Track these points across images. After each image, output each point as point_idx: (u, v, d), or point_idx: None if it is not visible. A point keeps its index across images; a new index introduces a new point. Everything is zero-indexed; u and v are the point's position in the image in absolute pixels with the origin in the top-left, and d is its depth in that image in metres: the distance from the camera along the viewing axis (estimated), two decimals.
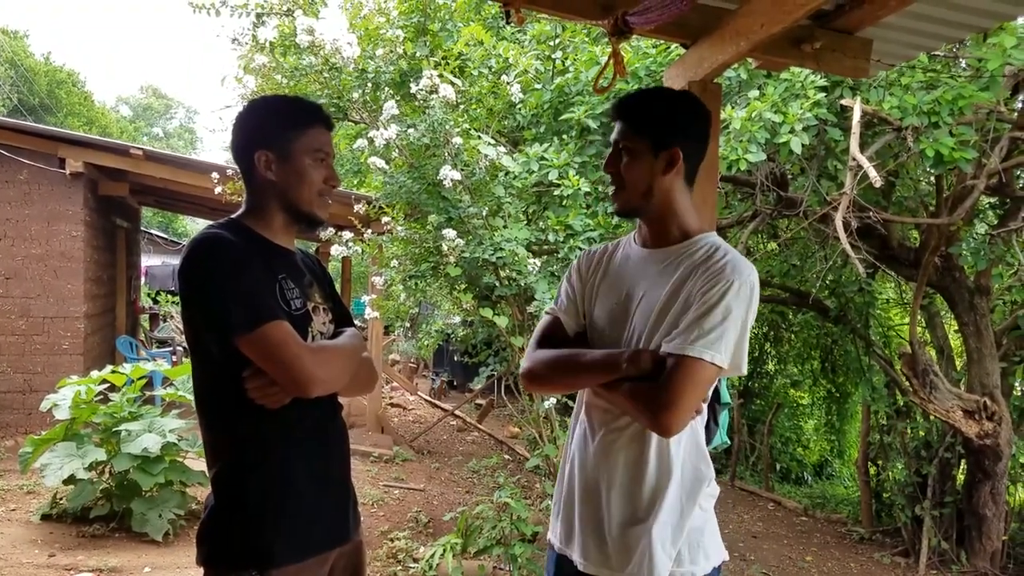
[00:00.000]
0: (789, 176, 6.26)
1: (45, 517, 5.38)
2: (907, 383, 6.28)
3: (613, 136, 1.86)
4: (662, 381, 1.61)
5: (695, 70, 2.90)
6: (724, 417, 2.53)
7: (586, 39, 5.97)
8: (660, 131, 1.79)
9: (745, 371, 1.75)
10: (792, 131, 4.57)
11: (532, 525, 5.01)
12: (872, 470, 8.42)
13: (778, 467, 11.34)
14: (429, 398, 12.66)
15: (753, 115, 4.58)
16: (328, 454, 1.83)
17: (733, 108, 4.80)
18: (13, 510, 5.66)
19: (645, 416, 1.64)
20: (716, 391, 2.48)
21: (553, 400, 5.00)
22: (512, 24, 2.86)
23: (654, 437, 1.71)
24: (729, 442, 2.60)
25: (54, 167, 8.05)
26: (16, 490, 6.11)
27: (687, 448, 1.74)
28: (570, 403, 5.34)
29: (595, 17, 2.74)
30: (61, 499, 5.45)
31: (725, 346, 1.63)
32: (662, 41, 5.05)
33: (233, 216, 1.83)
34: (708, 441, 2.44)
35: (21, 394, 7.92)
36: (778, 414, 10.91)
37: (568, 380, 1.92)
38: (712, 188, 2.95)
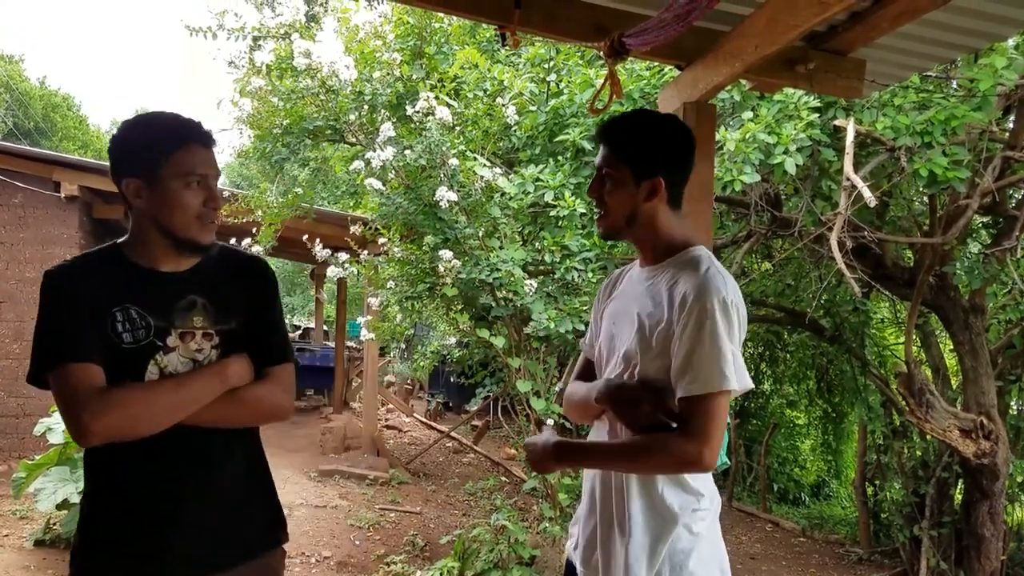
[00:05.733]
0: (783, 196, 6.28)
1: (39, 543, 5.33)
2: (903, 402, 6.26)
3: (597, 161, 1.87)
4: (689, 425, 1.65)
5: (690, 91, 2.92)
6: (724, 438, 2.53)
7: (580, 62, 5.99)
8: (642, 160, 1.80)
9: (751, 384, 1.72)
10: (786, 152, 4.59)
11: (530, 548, 4.98)
12: (869, 490, 8.40)
13: (775, 488, 11.30)
14: (425, 420, 12.61)
15: (747, 136, 4.60)
16: (173, 490, 1.71)
17: (727, 130, 4.82)
18: (6, 535, 5.61)
19: (680, 467, 1.69)
20: None
21: (550, 422, 4.98)
22: (508, 46, 2.88)
23: None
24: (729, 463, 2.59)
25: (49, 190, 8.06)
26: (9, 515, 6.06)
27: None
28: (567, 423, 5.33)
29: (591, 39, 2.77)
30: (55, 524, 5.40)
31: (721, 370, 1.63)
32: (656, 63, 5.08)
33: (118, 240, 1.80)
34: None
35: (15, 418, 7.88)
36: (774, 434, 10.88)
37: (578, 414, 2.01)
38: (708, 208, 2.96)
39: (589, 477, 1.90)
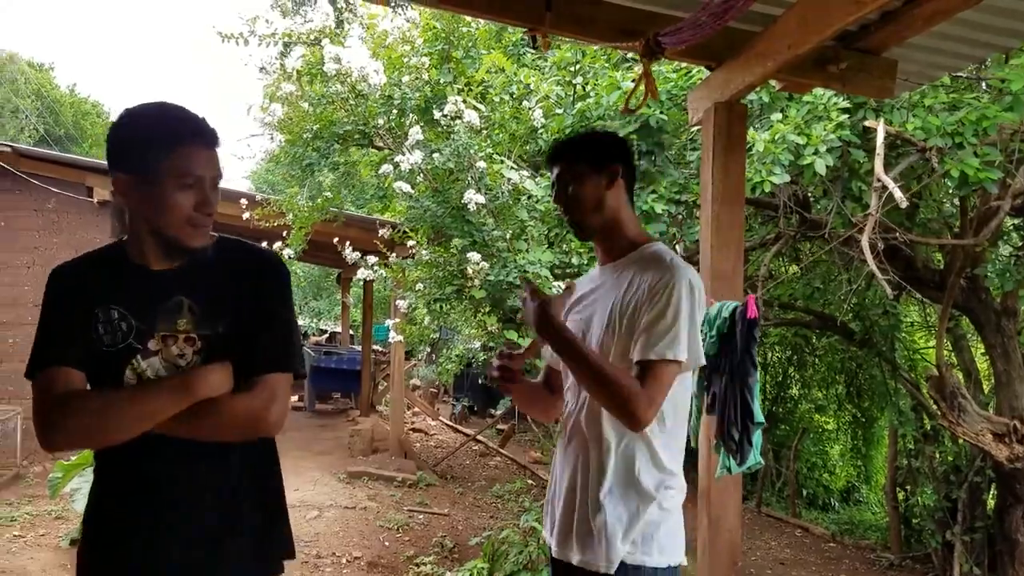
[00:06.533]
0: (812, 198, 6.25)
1: (74, 542, 5.40)
2: (935, 406, 6.20)
3: (553, 177, 2.04)
4: (637, 385, 1.78)
5: (721, 91, 2.93)
6: (757, 437, 2.54)
7: (606, 65, 6.01)
8: (596, 153, 1.99)
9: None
10: (816, 152, 4.57)
11: None
12: (900, 495, 8.31)
13: (804, 493, 11.20)
14: (450, 423, 12.65)
15: (776, 137, 4.59)
16: (169, 503, 1.61)
17: (756, 131, 4.81)
18: (43, 535, 5.70)
19: (623, 414, 1.79)
20: (750, 411, 2.49)
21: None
22: (538, 49, 2.91)
23: (611, 442, 1.87)
24: (763, 462, 2.60)
25: (82, 195, 8.18)
26: (45, 515, 6.16)
27: (641, 451, 1.86)
28: None
29: (618, 40, 2.78)
30: None
31: (681, 344, 1.79)
32: (683, 66, 5.09)
33: (125, 236, 1.70)
34: (742, 461, 2.45)
35: None
36: (803, 439, 10.80)
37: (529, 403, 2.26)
38: (739, 209, 2.97)
39: (567, 459, 1.98)
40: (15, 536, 5.73)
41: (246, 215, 6.80)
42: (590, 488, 1.88)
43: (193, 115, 1.60)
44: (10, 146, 8.19)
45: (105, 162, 1.67)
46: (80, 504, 5.01)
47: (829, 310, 7.84)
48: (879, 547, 8.31)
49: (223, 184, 1.72)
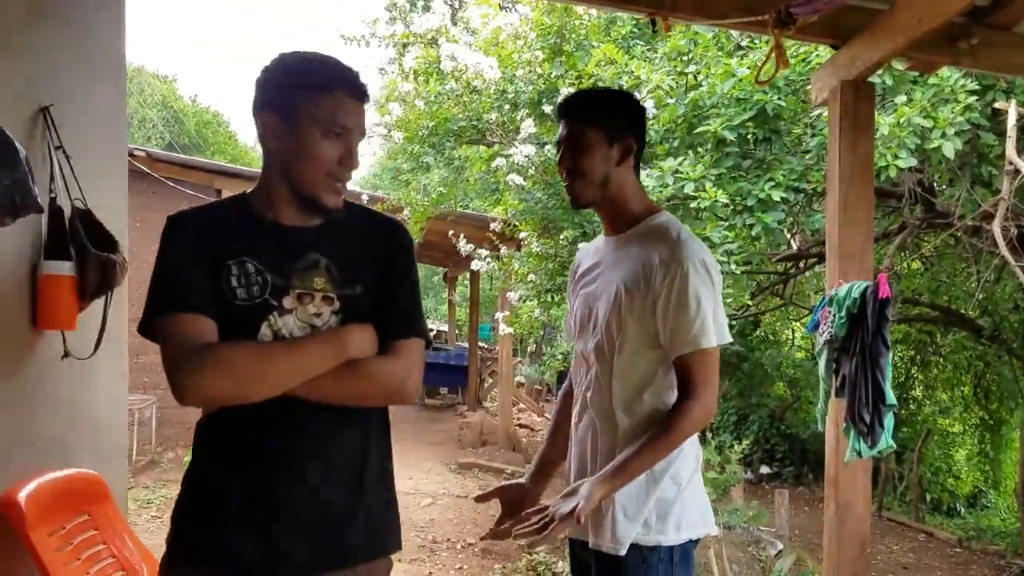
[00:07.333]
0: (937, 187, 6.00)
1: None
2: None
3: (562, 134, 1.91)
4: (687, 384, 1.76)
5: (847, 69, 2.87)
6: (889, 420, 2.48)
7: (719, 53, 5.92)
8: (613, 122, 1.86)
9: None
10: (944, 136, 4.40)
11: None
12: None
13: (928, 498, 10.72)
14: None
15: (902, 120, 4.44)
16: (283, 471, 1.52)
17: (880, 114, 4.66)
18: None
19: (699, 423, 1.77)
20: (882, 393, 2.43)
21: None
22: (658, 33, 2.92)
23: (620, 419, 1.82)
24: (894, 445, 2.53)
25: (211, 197, 8.63)
26: (173, 498, 6.52)
27: (651, 426, 1.80)
28: None
29: (742, 16, 2.75)
30: None
31: (709, 330, 1.75)
32: (803, 49, 4.98)
33: (248, 191, 1.63)
34: (873, 444, 2.40)
35: (179, 410, 8.45)
36: (927, 442, 10.33)
37: None
38: (868, 187, 2.91)
39: (577, 441, 1.95)
40: (152, 517, 6.12)
41: None
42: (599, 468, 1.79)
43: (349, 68, 1.56)
44: (144, 150, 8.72)
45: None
46: None
47: (956, 306, 7.49)
48: (1009, 553, 7.88)
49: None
